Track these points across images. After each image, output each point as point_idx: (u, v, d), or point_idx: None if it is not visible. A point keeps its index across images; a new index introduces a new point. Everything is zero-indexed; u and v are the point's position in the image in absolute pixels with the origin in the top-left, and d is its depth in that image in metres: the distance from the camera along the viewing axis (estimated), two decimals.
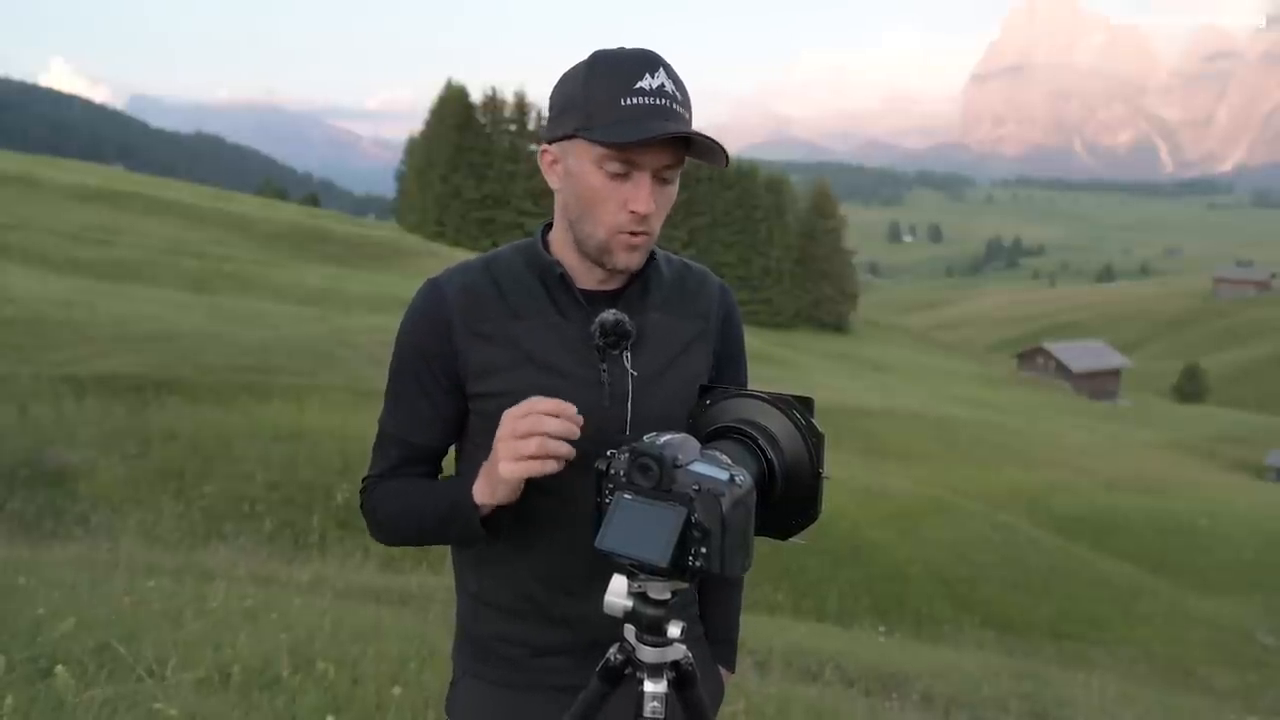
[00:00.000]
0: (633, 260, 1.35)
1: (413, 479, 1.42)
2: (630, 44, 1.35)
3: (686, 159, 1.33)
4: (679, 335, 1.43)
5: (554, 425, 1.19)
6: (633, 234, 1.32)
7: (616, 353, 1.36)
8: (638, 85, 1.26)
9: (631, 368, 1.37)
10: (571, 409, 1.21)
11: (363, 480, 1.46)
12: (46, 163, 53.22)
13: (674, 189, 1.36)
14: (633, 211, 1.30)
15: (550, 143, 1.36)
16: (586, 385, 1.35)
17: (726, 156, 1.32)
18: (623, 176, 1.29)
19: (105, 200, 39.48)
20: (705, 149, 1.30)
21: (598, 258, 1.35)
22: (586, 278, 1.39)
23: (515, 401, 1.28)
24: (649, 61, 1.29)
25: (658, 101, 1.27)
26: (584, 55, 1.35)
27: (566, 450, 1.20)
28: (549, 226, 1.44)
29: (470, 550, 1.45)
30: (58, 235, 29.63)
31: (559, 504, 1.35)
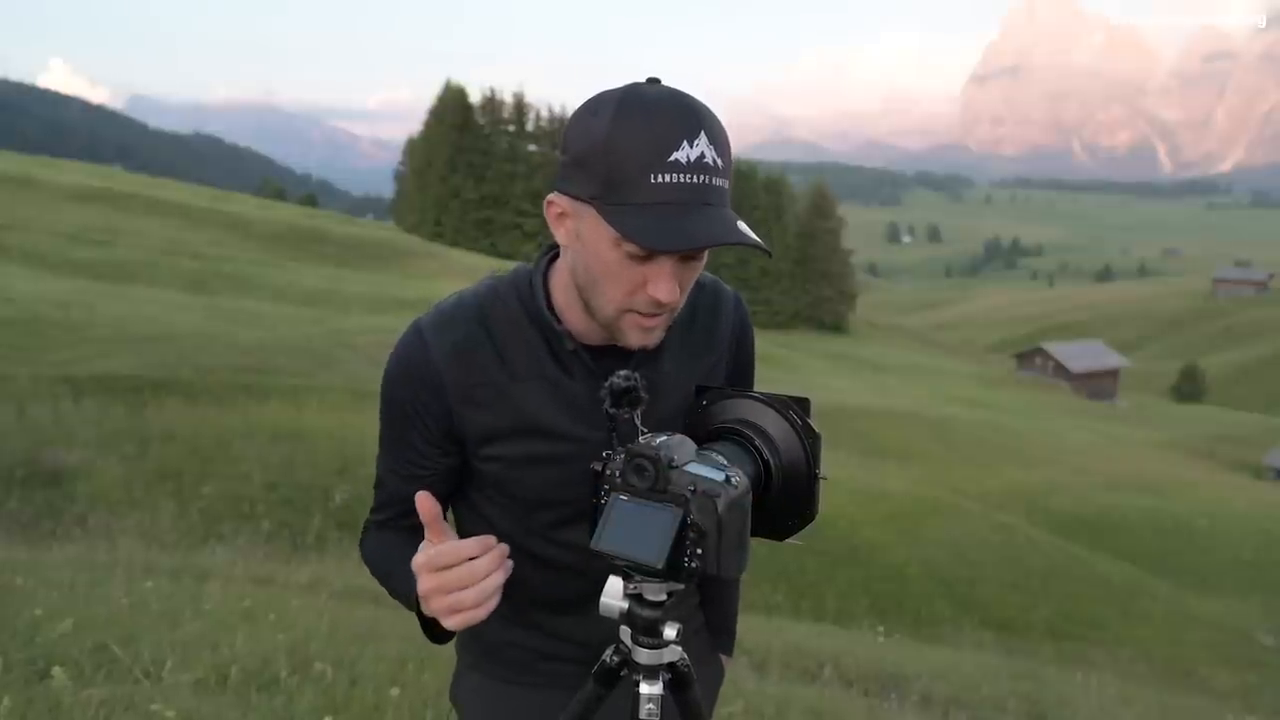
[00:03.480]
0: (649, 340, 1.21)
1: (403, 538, 1.31)
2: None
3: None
4: (692, 379, 1.33)
5: (478, 571, 1.09)
6: (648, 315, 1.17)
7: (628, 416, 1.25)
8: (672, 157, 1.06)
9: (641, 425, 1.23)
10: (490, 543, 1.11)
11: (368, 517, 1.40)
12: (45, 163, 53.21)
13: (701, 262, 1.19)
14: (652, 297, 1.14)
15: (557, 190, 1.17)
16: (594, 448, 1.23)
17: (768, 251, 1.17)
18: (643, 258, 1.12)
19: (104, 201, 39.48)
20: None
21: (606, 328, 1.21)
22: (594, 334, 1.26)
23: (519, 469, 1.26)
24: (688, 122, 1.08)
25: (694, 179, 1.07)
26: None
27: (496, 586, 1.11)
28: (551, 258, 1.29)
29: None
30: (56, 236, 29.66)
31: (556, 548, 1.34)
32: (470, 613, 1.10)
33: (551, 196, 1.18)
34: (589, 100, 1.14)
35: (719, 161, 1.11)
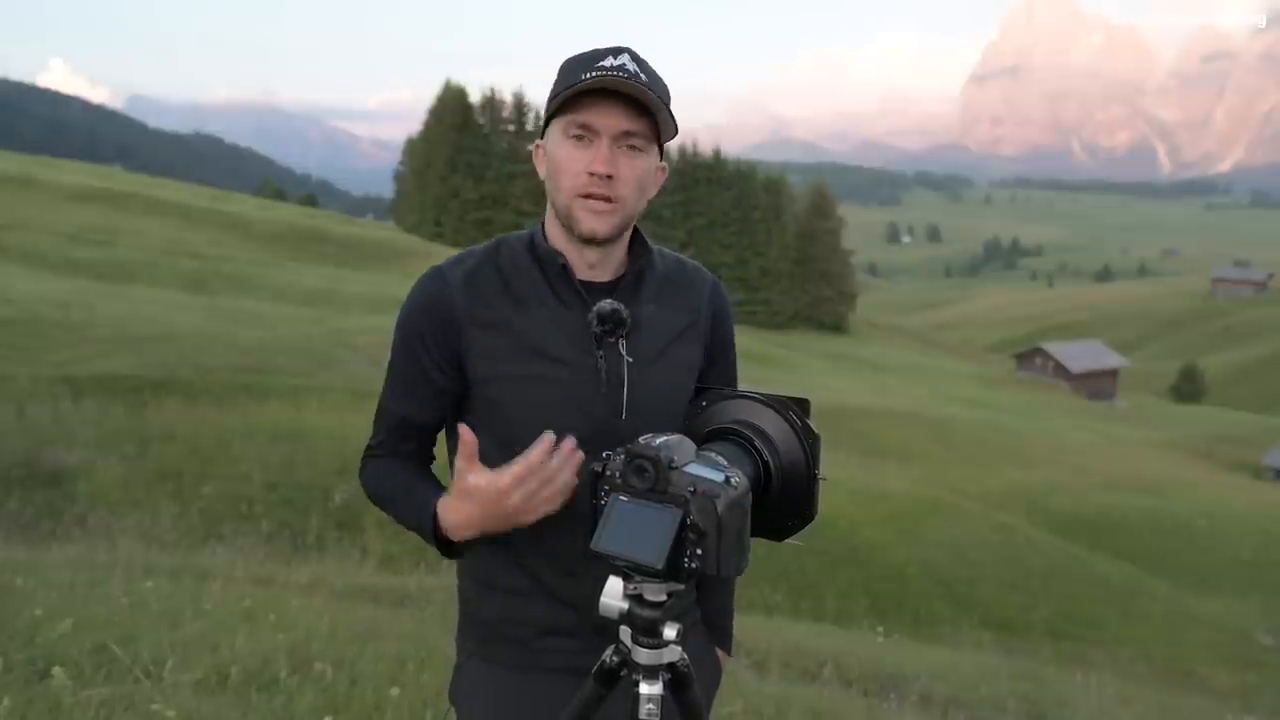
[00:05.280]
0: (598, 225, 1.39)
1: (400, 464, 1.50)
2: (629, 44, 1.39)
3: (657, 134, 1.40)
4: (671, 325, 1.49)
5: (553, 472, 1.27)
6: (592, 196, 1.37)
7: (613, 340, 1.41)
8: (599, 64, 1.35)
9: (626, 354, 1.42)
10: (567, 442, 1.28)
11: (366, 446, 1.54)
12: (45, 163, 53.17)
13: (645, 162, 1.40)
14: (591, 174, 1.35)
15: (540, 137, 1.46)
16: (584, 371, 1.41)
17: (674, 123, 1.40)
18: (583, 141, 1.36)
19: (104, 201, 39.45)
20: (663, 117, 1.37)
21: (567, 224, 1.41)
22: (584, 269, 1.44)
23: (517, 387, 1.39)
24: (614, 49, 1.37)
25: (616, 76, 1.33)
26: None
27: (570, 480, 1.29)
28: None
29: None
30: (56, 236, 29.63)
31: None
32: (550, 504, 1.28)
33: (539, 143, 1.46)
34: None
35: (641, 75, 1.35)
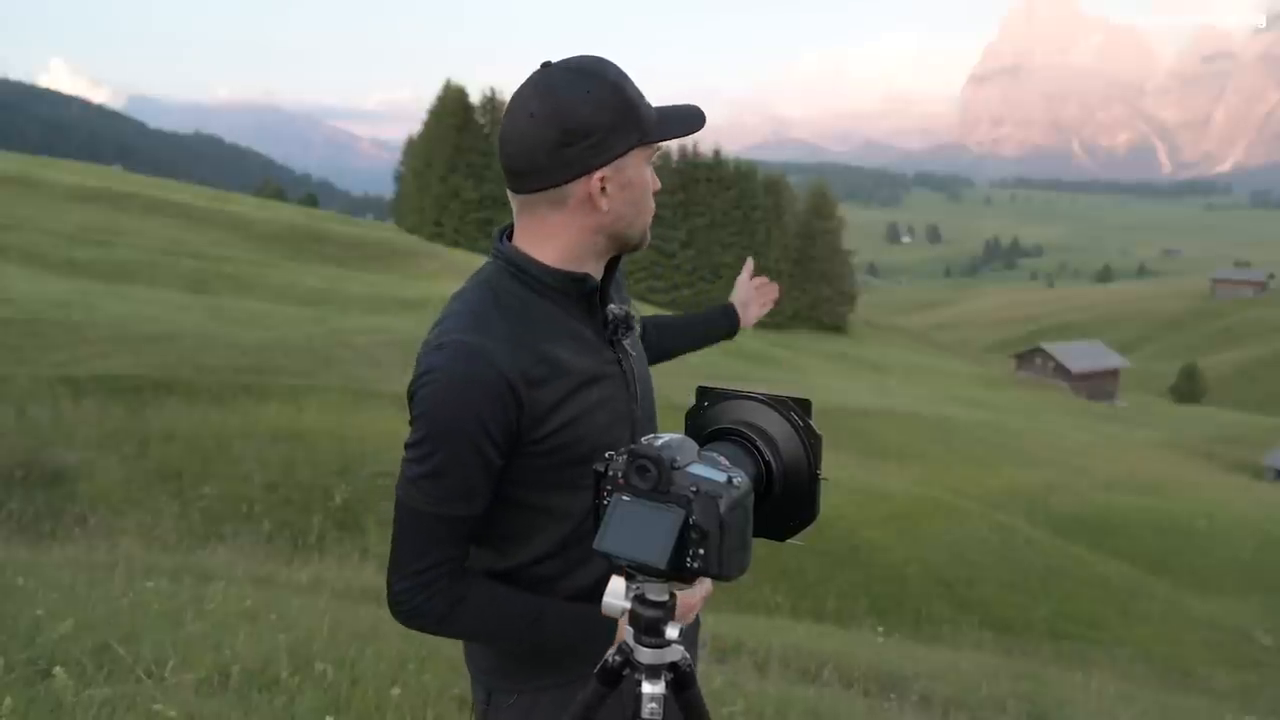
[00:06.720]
0: None
1: (496, 589, 1.37)
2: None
3: None
4: (628, 305, 1.53)
5: None
6: None
7: (626, 342, 1.45)
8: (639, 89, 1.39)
9: (631, 349, 1.47)
10: None
11: (411, 573, 1.31)
12: (45, 163, 53.20)
13: None
14: (655, 192, 1.43)
15: (598, 168, 1.31)
16: (615, 379, 1.43)
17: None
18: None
19: (104, 201, 39.45)
20: None
21: (640, 244, 1.44)
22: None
23: (577, 425, 1.34)
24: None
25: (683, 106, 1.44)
26: (584, 55, 1.35)
27: None
28: (505, 238, 1.41)
29: (515, 574, 1.43)
30: (56, 236, 29.61)
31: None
32: None
33: (602, 174, 1.32)
34: (568, 91, 1.29)
35: None
